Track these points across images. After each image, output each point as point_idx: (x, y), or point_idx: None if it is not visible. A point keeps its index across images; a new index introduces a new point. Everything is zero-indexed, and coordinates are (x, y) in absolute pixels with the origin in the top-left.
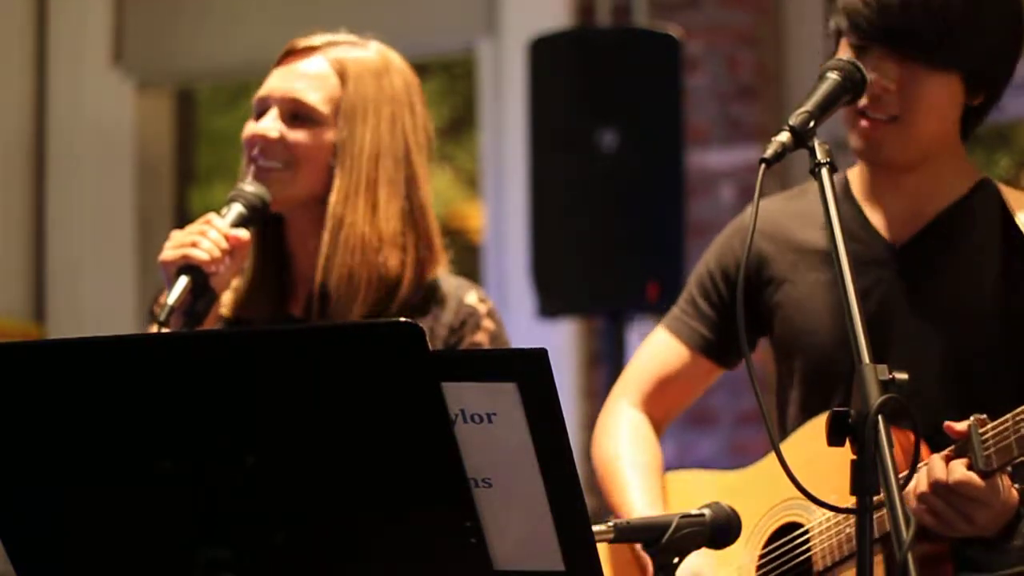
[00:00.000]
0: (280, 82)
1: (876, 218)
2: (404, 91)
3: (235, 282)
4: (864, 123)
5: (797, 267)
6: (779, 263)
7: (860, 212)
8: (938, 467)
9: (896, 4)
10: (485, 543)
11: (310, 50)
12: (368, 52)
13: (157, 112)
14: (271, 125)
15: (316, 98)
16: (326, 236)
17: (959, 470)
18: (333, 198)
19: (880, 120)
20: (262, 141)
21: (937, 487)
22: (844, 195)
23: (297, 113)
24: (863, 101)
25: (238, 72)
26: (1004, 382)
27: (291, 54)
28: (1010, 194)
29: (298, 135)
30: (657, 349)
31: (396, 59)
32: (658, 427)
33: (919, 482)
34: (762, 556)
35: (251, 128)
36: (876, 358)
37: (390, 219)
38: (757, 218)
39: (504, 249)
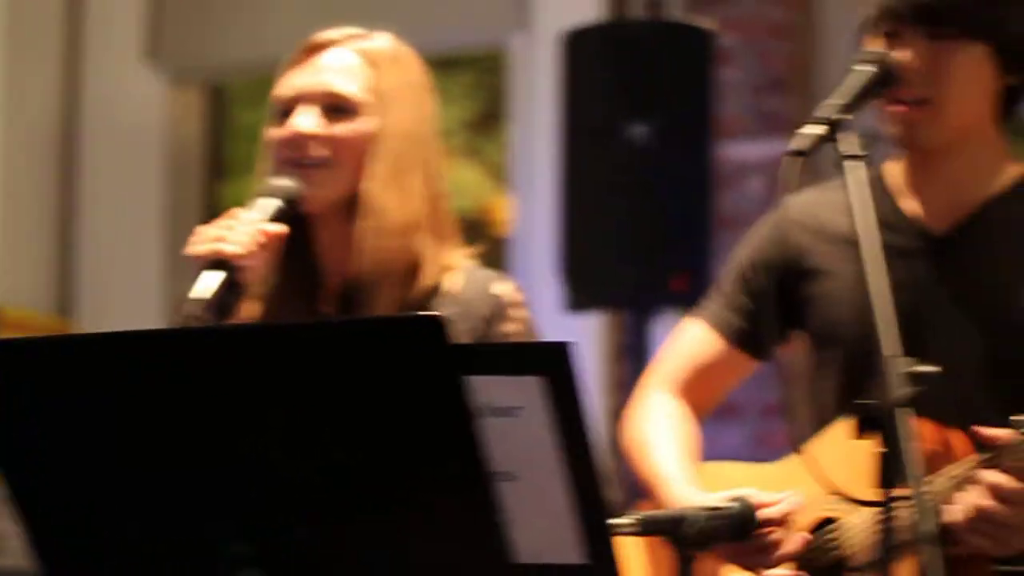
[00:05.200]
0: (311, 77)
1: (913, 208)
2: (420, 77)
3: (258, 289)
4: (896, 108)
5: (835, 258)
6: (817, 255)
7: (894, 203)
8: (974, 489)
9: None
10: (509, 537)
11: (330, 43)
12: (383, 41)
13: (188, 107)
14: (310, 121)
15: (353, 89)
16: (363, 223)
17: (991, 474)
18: (368, 185)
19: (911, 103)
20: (303, 139)
21: (974, 500)
22: (878, 190)
23: (336, 106)
24: (894, 87)
25: (269, 67)
26: None
27: (310, 50)
28: None
29: (339, 128)
30: (692, 340)
31: (405, 46)
32: (694, 418)
33: (962, 509)
34: None
35: (286, 128)
36: (911, 351)
37: (417, 203)
38: (793, 210)
39: (531, 243)
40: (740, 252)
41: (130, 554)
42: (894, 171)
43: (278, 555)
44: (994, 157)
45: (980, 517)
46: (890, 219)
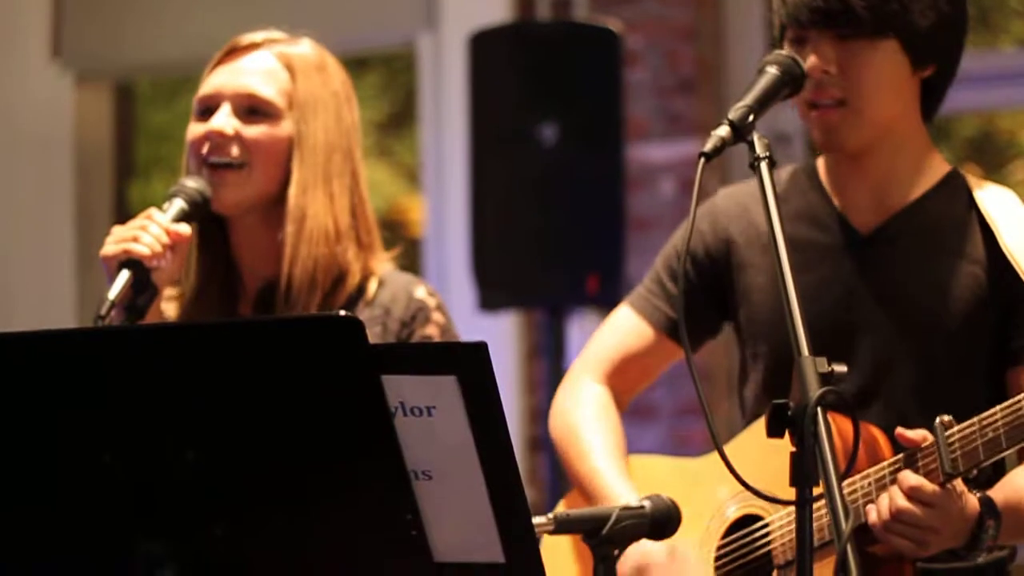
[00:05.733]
0: (230, 78)
1: (844, 206)
2: (343, 86)
3: (171, 291)
4: (815, 113)
5: (764, 253)
6: (747, 249)
7: (828, 200)
8: (893, 491)
9: None
10: (425, 535)
11: (253, 46)
12: (306, 48)
13: (96, 106)
14: (226, 121)
15: (271, 92)
16: (290, 228)
17: (911, 477)
18: (293, 190)
19: (829, 106)
20: (218, 138)
21: (893, 503)
22: (812, 183)
23: (253, 108)
24: (809, 92)
25: (177, 67)
26: (968, 382)
27: (233, 52)
28: (979, 187)
29: (254, 130)
30: (621, 328)
31: (329, 55)
32: (619, 403)
33: (881, 511)
34: (720, 547)
35: (203, 126)
36: (838, 350)
37: (343, 211)
38: (723, 202)
39: (444, 243)
40: (670, 242)
41: (46, 553)
42: (825, 166)
43: (194, 553)
44: (919, 154)
45: (898, 519)
46: (821, 215)
